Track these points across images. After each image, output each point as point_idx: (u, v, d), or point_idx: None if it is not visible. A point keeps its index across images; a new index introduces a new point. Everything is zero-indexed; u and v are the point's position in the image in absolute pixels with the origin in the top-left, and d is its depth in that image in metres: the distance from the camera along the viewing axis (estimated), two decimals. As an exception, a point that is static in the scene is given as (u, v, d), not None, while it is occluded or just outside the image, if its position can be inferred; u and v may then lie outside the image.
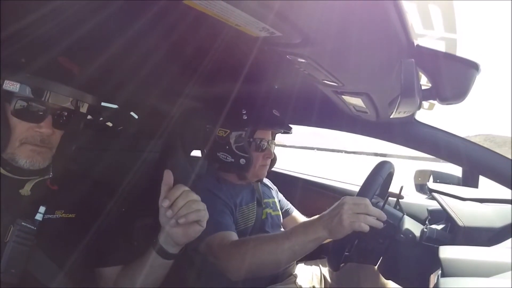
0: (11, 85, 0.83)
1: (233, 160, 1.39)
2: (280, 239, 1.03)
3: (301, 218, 1.70)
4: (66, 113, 0.93)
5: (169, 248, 0.90)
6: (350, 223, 0.92)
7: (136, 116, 1.91)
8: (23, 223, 0.85)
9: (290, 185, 1.92)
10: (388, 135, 1.52)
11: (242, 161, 1.38)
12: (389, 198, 1.35)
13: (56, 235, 0.92)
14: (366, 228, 0.93)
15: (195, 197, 0.84)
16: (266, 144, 1.44)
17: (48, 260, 0.90)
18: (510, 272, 0.85)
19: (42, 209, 0.89)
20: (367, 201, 0.96)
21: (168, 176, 0.85)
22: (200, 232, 0.88)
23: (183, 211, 0.81)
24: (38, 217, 0.88)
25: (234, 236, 1.21)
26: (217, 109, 1.46)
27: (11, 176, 0.89)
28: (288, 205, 1.71)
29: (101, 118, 1.79)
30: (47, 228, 0.90)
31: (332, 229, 0.95)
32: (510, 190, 1.22)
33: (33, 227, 0.86)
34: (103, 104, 1.72)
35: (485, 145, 1.35)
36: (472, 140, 1.41)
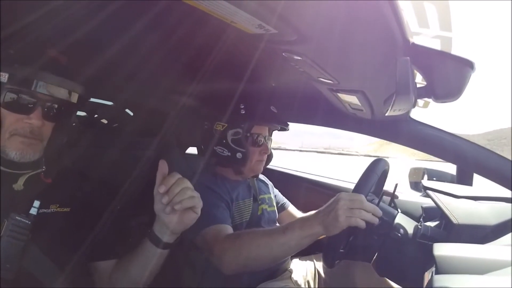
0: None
1: (229, 154, 1.40)
2: (276, 234, 1.03)
3: (296, 213, 1.71)
4: (56, 105, 0.93)
5: (164, 237, 0.91)
6: (345, 218, 0.92)
7: (131, 113, 1.91)
8: (17, 218, 0.85)
9: (285, 182, 1.92)
10: (383, 133, 1.52)
11: (239, 155, 1.39)
12: (384, 196, 1.35)
13: (51, 229, 0.92)
14: (362, 224, 0.93)
15: (189, 184, 0.87)
16: (263, 139, 1.46)
17: (43, 255, 0.90)
18: (504, 269, 0.85)
19: (36, 203, 0.89)
20: (362, 197, 0.97)
21: (163, 166, 0.87)
22: (195, 220, 0.91)
23: (179, 197, 0.84)
24: (33, 211, 0.88)
25: (229, 229, 1.22)
26: (215, 103, 1.46)
27: (4, 170, 0.89)
28: (283, 200, 1.72)
29: (95, 115, 1.78)
30: (42, 222, 0.90)
31: (328, 225, 0.96)
32: (504, 188, 1.22)
33: (27, 222, 0.86)
34: (98, 101, 1.71)
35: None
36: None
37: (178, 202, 0.84)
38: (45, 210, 0.92)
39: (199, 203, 0.88)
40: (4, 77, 0.83)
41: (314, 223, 0.98)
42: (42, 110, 0.89)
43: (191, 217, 0.90)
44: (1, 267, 0.82)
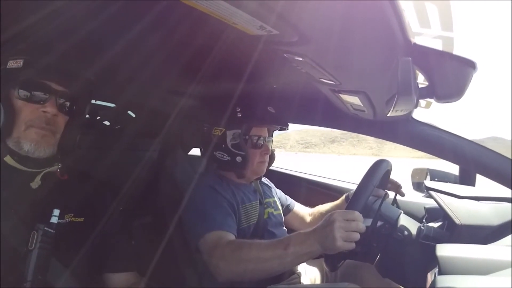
0: (15, 63, 0.85)
1: (229, 158, 1.39)
2: (276, 249, 1.04)
3: (302, 211, 1.71)
4: (70, 99, 0.95)
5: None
6: (343, 243, 0.95)
7: (133, 115, 1.91)
8: (45, 228, 0.86)
9: (285, 183, 1.92)
10: (385, 133, 1.52)
11: (239, 159, 1.38)
12: (388, 192, 1.34)
13: (67, 240, 0.91)
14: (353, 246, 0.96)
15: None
16: (262, 141, 1.45)
17: (59, 264, 0.89)
18: (506, 270, 0.85)
19: (56, 212, 0.89)
20: (357, 215, 0.98)
21: None
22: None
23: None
24: (54, 220, 0.89)
25: (231, 237, 1.21)
26: (212, 108, 1.45)
27: (20, 167, 0.89)
28: (287, 200, 1.71)
29: (98, 117, 1.78)
30: (59, 233, 0.89)
31: (326, 247, 0.98)
32: (507, 188, 1.22)
33: (52, 231, 0.87)
34: (101, 103, 1.71)
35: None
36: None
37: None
38: (60, 221, 0.91)
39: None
40: (19, 63, 0.84)
41: (313, 243, 1.00)
42: (56, 100, 0.91)
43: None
44: (33, 279, 0.82)
